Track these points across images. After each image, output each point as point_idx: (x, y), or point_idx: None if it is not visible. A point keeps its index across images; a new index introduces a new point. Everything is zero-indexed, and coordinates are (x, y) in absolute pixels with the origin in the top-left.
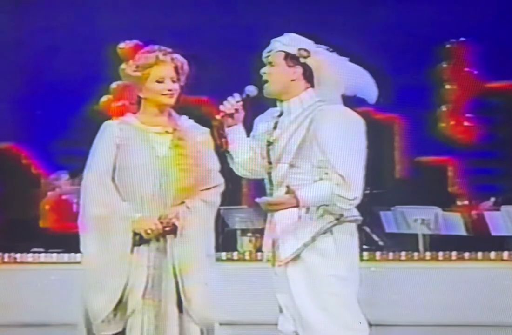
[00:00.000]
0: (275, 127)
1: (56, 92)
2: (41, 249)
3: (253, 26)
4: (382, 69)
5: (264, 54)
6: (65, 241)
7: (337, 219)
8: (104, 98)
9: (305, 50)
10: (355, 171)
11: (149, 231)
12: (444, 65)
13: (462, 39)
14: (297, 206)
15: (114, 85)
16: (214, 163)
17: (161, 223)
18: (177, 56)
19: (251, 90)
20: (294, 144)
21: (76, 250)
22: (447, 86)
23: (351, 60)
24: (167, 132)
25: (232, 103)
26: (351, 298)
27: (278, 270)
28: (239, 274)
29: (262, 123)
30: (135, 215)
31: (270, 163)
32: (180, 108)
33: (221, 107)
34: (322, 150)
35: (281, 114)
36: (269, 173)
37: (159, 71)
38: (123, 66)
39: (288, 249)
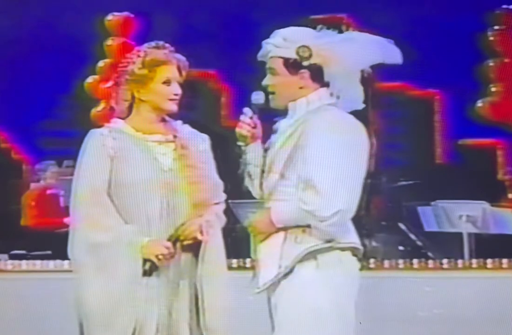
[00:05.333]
0: (275, 132)
1: (39, 69)
2: (23, 252)
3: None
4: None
5: (259, 58)
6: (50, 242)
7: (328, 242)
8: (89, 79)
9: (305, 47)
10: (338, 185)
11: (160, 257)
12: (494, 37)
13: None
14: (272, 223)
15: (101, 63)
16: (216, 174)
17: (174, 240)
18: (179, 56)
19: (258, 98)
20: (285, 151)
21: (63, 253)
22: (503, 60)
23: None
24: (167, 140)
25: (248, 122)
26: None
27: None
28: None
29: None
30: (143, 240)
31: (263, 171)
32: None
33: (238, 130)
34: (304, 159)
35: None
36: (261, 184)
37: (167, 71)
38: (109, 42)
39: (268, 274)
